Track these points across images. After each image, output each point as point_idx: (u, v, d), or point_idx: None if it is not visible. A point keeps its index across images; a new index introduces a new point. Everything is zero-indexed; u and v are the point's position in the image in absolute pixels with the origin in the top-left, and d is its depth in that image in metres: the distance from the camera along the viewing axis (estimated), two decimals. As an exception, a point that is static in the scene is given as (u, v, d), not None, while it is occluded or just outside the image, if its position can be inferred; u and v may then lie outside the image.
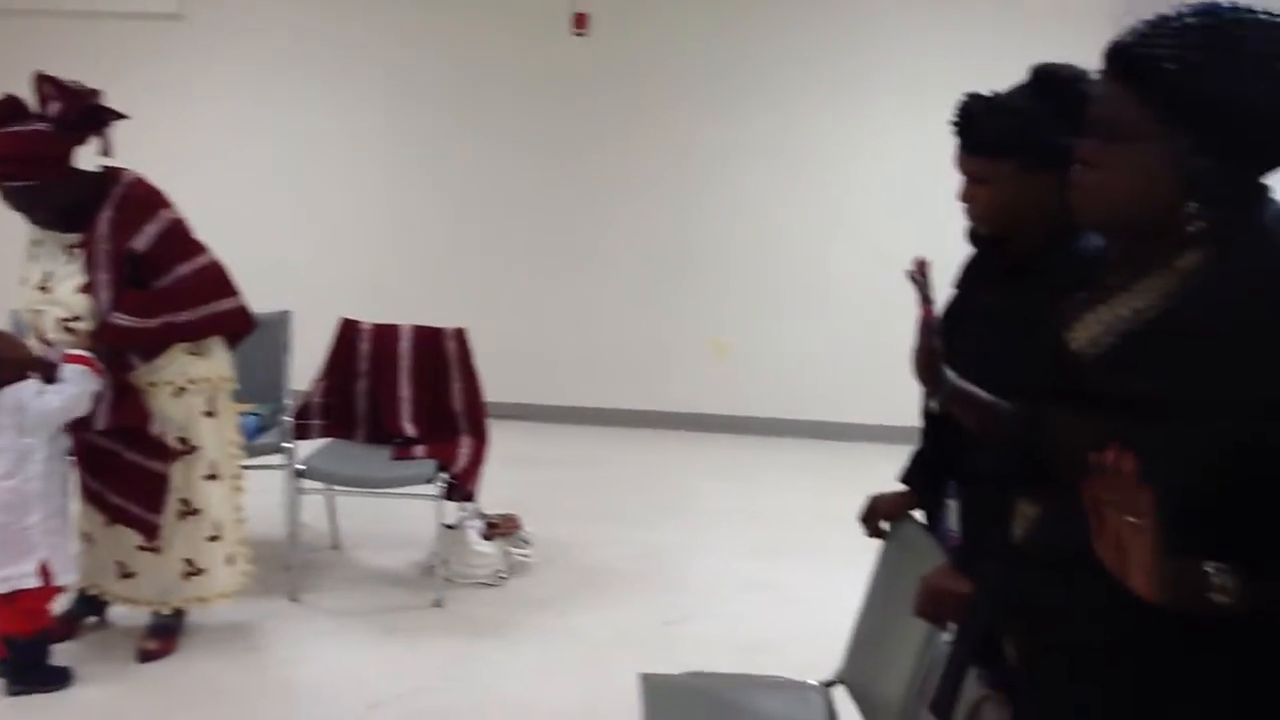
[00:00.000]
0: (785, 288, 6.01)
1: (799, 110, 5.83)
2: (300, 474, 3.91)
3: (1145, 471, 1.09)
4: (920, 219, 5.22)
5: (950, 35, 5.68)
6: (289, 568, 3.97)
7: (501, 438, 4.29)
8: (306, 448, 4.08)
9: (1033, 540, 1.39)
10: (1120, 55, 1.30)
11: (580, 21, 5.78)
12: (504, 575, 4.14)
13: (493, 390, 4.25)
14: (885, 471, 2.48)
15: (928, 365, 1.72)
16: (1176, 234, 1.31)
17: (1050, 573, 1.36)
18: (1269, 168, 1.30)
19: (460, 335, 4.16)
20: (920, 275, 1.75)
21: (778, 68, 5.81)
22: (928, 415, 2.23)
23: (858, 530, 2.40)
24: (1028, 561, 1.40)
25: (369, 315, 4.28)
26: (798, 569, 4.31)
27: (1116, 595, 1.15)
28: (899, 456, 2.39)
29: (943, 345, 1.81)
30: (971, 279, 2.18)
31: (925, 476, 2.31)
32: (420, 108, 6.00)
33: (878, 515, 2.39)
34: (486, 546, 4.17)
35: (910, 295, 1.83)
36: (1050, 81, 1.94)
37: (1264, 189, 1.31)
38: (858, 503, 2.41)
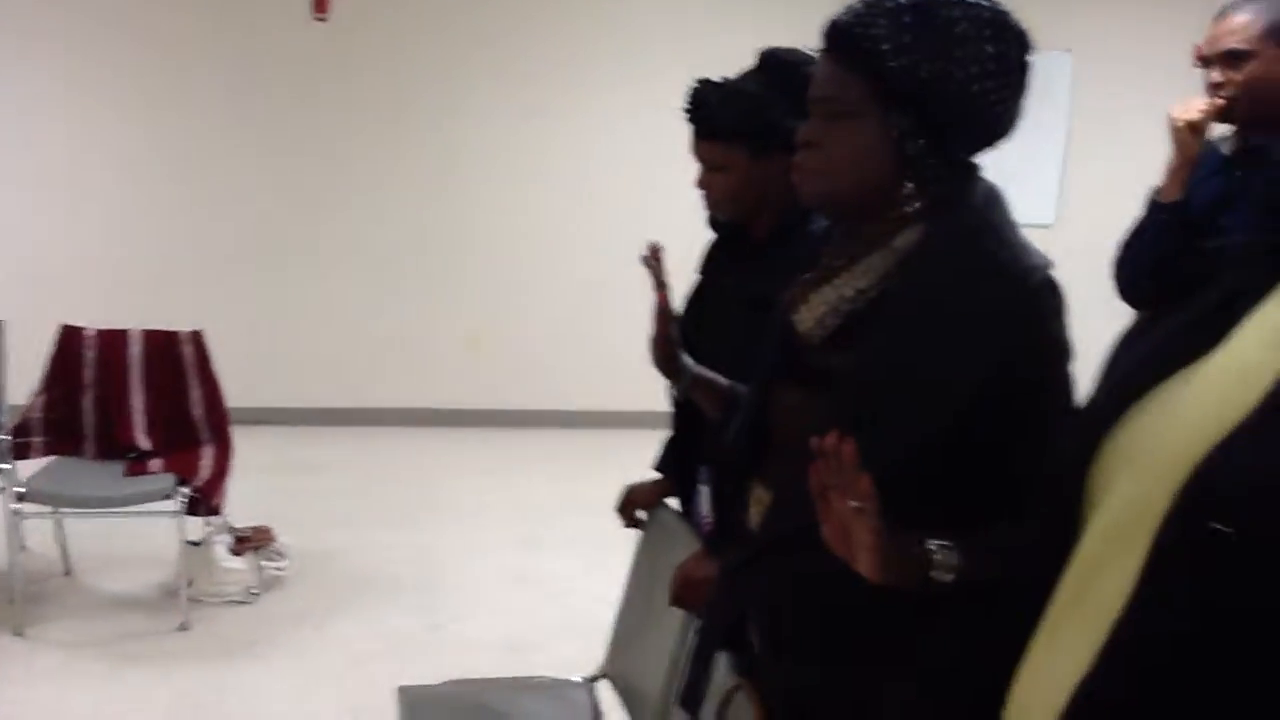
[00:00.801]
0: (534, 278, 5.96)
1: (545, 98, 5.78)
2: (21, 497, 3.56)
3: (865, 454, 1.08)
4: (665, 204, 5.25)
5: (685, 20, 5.76)
6: (12, 600, 3.61)
7: (248, 445, 4.05)
8: (28, 468, 3.72)
9: (767, 525, 1.38)
10: (836, 35, 1.30)
11: (321, 5, 5.52)
12: (256, 591, 3.91)
13: (236, 395, 3.99)
14: (646, 458, 2.46)
15: (665, 353, 1.70)
16: (896, 213, 1.32)
17: (783, 557, 1.35)
18: (979, 147, 1.33)
19: (197, 338, 3.89)
20: (654, 261, 1.72)
21: (523, 56, 5.75)
22: (677, 402, 2.22)
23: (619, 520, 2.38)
24: (762, 546, 1.39)
25: (95, 321, 3.94)
26: (564, 562, 4.28)
27: (845, 577, 1.14)
28: (657, 442, 2.38)
29: (680, 331, 1.80)
30: (713, 264, 2.19)
31: (678, 463, 2.30)
32: (148, 96, 5.58)
33: (634, 505, 2.37)
34: (236, 562, 3.93)
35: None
36: (778, 66, 1.95)
37: (974, 168, 1.34)
38: (618, 491, 2.38)
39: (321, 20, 5.53)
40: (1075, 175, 6.12)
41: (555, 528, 4.62)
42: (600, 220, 5.89)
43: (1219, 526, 0.68)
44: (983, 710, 0.88)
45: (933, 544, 1.18)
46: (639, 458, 2.60)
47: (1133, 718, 0.72)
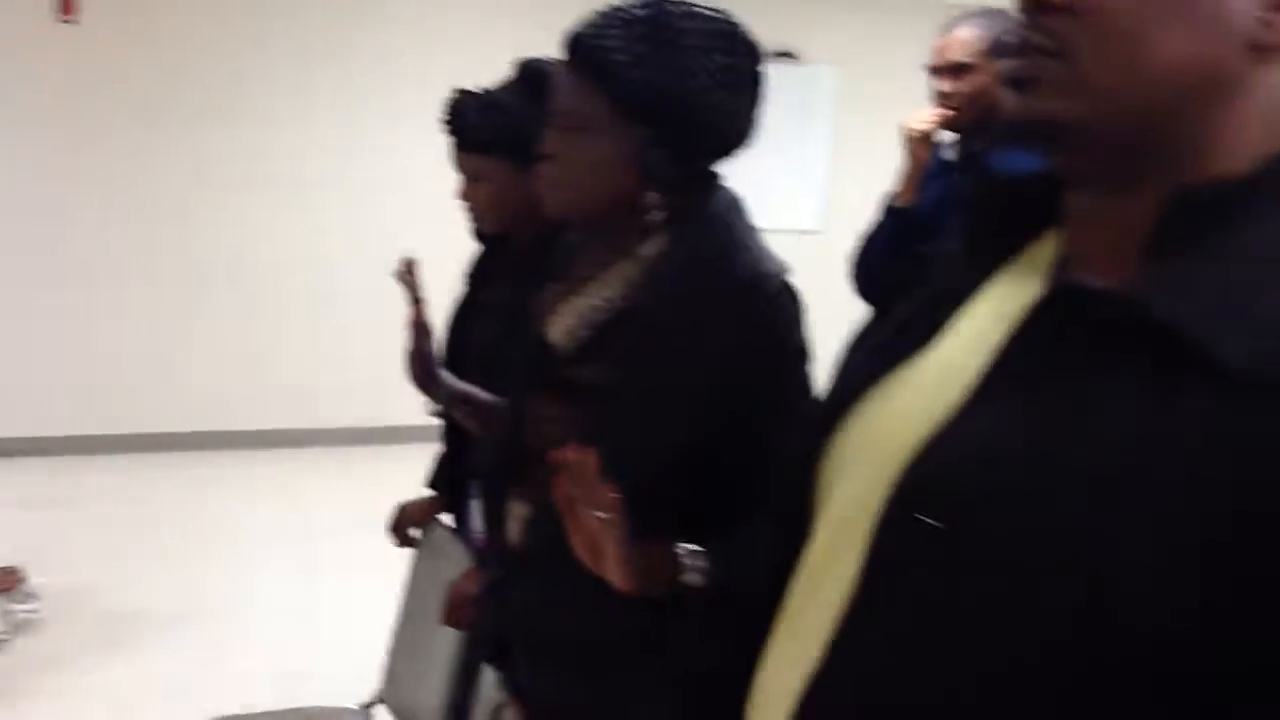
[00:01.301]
0: (296, 292, 5.73)
1: (306, 108, 5.58)
2: None
3: (612, 463, 1.09)
4: (432, 217, 5.18)
5: (445, 29, 5.70)
6: None
7: (-8, 480, 3.74)
8: None
9: (525, 540, 1.37)
10: (574, 48, 1.31)
11: (68, 6, 5.17)
12: (6, 637, 3.61)
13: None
14: (422, 474, 2.41)
15: (422, 369, 1.67)
16: (640, 223, 1.34)
17: (539, 571, 1.35)
18: (717, 156, 1.35)
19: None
20: (408, 276, 1.68)
21: (284, 62, 5.54)
22: (446, 416, 2.18)
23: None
24: (522, 562, 1.38)
25: None
26: (341, 585, 4.13)
27: (597, 588, 1.14)
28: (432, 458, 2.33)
29: (448, 344, 1.77)
30: (478, 276, 2.17)
31: (450, 479, 2.26)
32: None
33: (407, 523, 2.31)
34: (-20, 607, 3.62)
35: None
36: (536, 76, 1.95)
37: (715, 177, 1.37)
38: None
39: (69, 22, 5.18)
40: (840, 183, 6.39)
41: (331, 550, 4.46)
42: (363, 233, 5.72)
43: (926, 519, 0.70)
44: (735, 707, 0.89)
45: (681, 549, 1.20)
46: (416, 474, 2.55)
47: (858, 710, 0.74)
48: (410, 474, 2.72)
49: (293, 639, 3.72)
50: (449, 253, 2.43)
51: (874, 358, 0.86)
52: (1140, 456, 0.63)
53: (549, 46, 2.02)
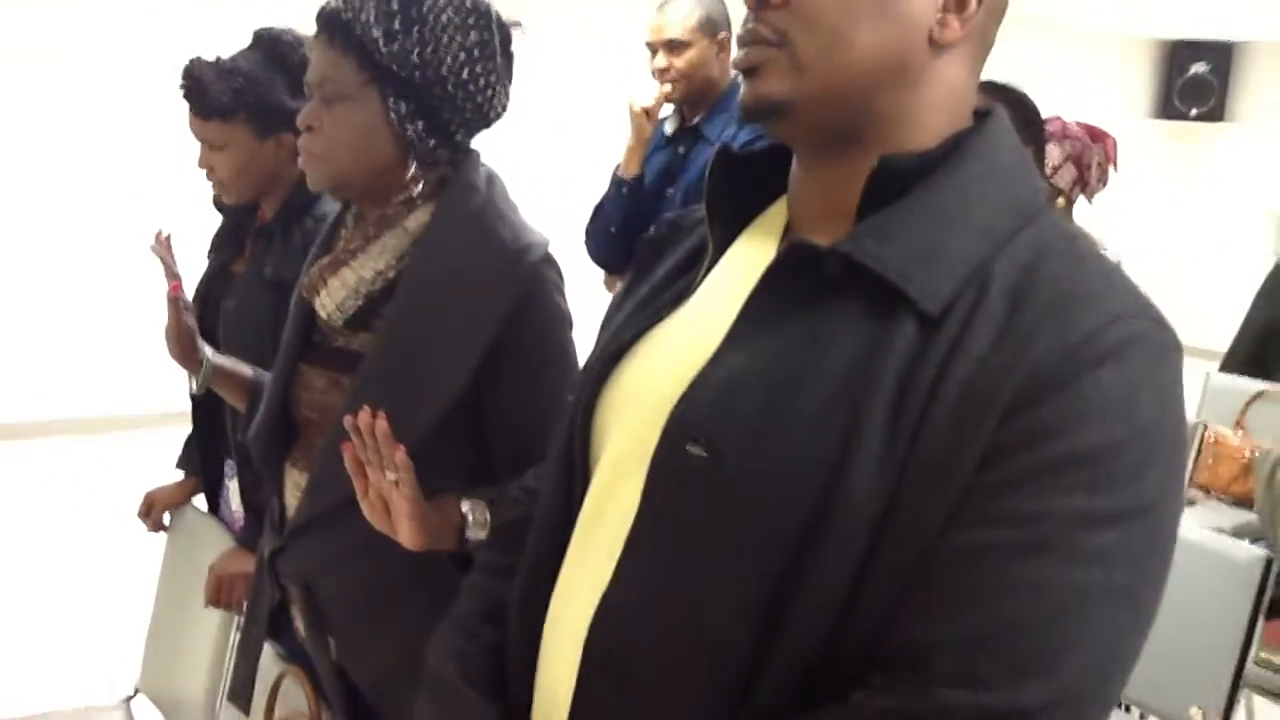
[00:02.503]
0: (34, 277, 5.32)
1: (37, 77, 5.15)
2: None
3: (397, 427, 1.14)
4: (177, 188, 4.94)
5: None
6: None
7: None
8: None
9: (302, 507, 1.39)
10: (328, 20, 1.33)
11: None
12: None
13: None
14: (162, 459, 2.33)
15: (183, 345, 1.63)
16: (404, 195, 1.38)
17: (322, 535, 1.38)
18: (474, 130, 1.41)
19: None
20: (163, 250, 1.64)
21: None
22: (195, 398, 2.13)
23: (141, 529, 2.24)
24: (303, 529, 1.40)
25: None
26: (85, 579, 3.90)
27: (384, 546, 1.19)
28: (172, 442, 2.26)
29: (197, 320, 1.73)
30: (223, 247, 2.12)
31: (201, 461, 2.21)
32: None
33: (156, 508, 2.24)
34: None
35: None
36: (272, 43, 1.93)
37: (473, 152, 1.43)
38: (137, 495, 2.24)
39: None
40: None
41: (73, 543, 4.19)
42: (104, 207, 5.35)
43: (692, 450, 0.81)
44: (527, 637, 0.96)
45: (466, 504, 1.26)
46: (154, 460, 2.46)
47: (646, 627, 0.84)
48: (148, 461, 2.62)
49: (41, 639, 3.48)
50: (193, 224, 2.34)
51: (637, 314, 0.96)
52: (859, 384, 0.76)
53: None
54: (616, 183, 2.68)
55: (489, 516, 1.26)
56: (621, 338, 0.94)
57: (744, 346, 0.83)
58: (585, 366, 0.98)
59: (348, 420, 1.13)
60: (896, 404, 0.75)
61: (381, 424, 1.11)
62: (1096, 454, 0.72)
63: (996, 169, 0.84)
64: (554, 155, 6.14)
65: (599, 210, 2.74)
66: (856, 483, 0.74)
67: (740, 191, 0.94)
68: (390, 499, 1.16)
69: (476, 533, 1.25)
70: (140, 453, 3.58)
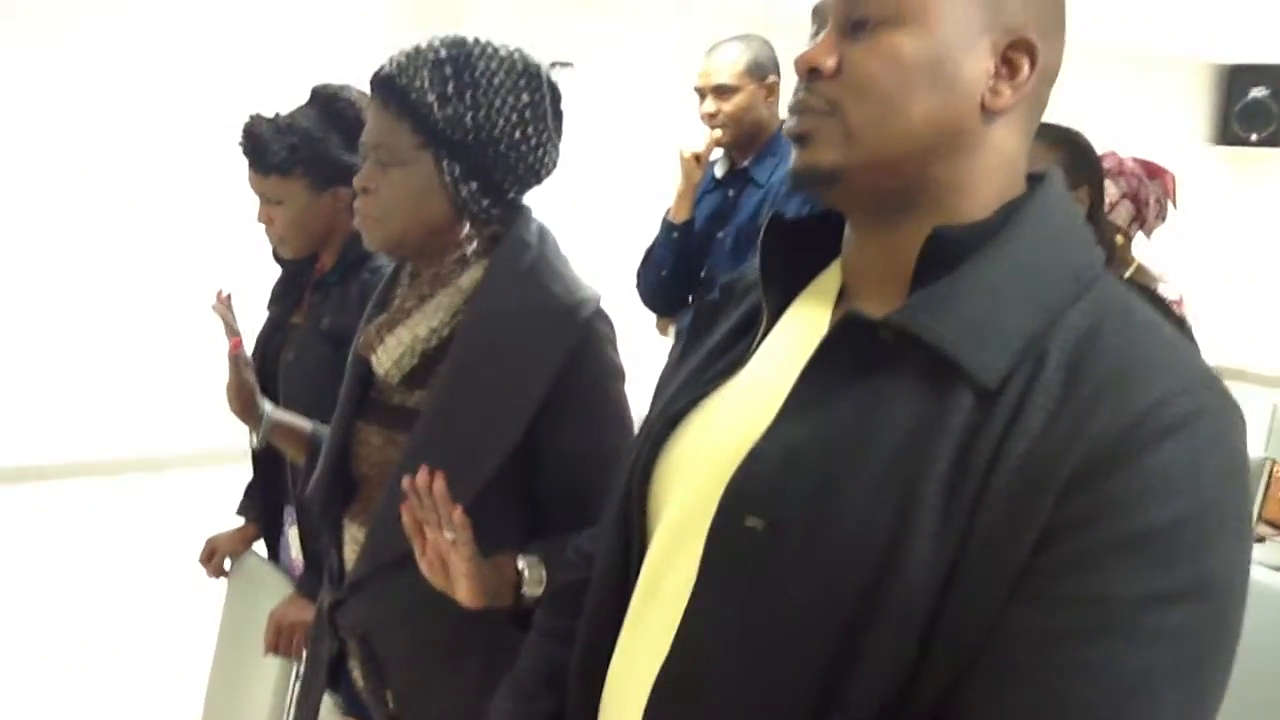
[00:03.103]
0: (89, 317, 5.44)
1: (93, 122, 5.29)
2: None
3: (450, 484, 1.15)
4: (237, 239, 5.04)
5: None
6: None
7: None
8: None
9: (362, 562, 1.41)
10: (383, 85, 1.36)
11: None
12: None
13: None
14: (224, 501, 2.36)
15: (243, 401, 1.67)
16: (458, 253, 1.40)
17: (381, 588, 1.39)
18: (526, 188, 1.43)
19: None
20: (224, 308, 1.68)
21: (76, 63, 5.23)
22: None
23: (202, 573, 2.27)
24: (362, 584, 1.41)
25: None
26: (144, 624, 3.95)
27: (441, 601, 1.20)
28: (229, 483, 2.29)
29: (256, 370, 1.77)
30: (282, 299, 2.16)
31: (262, 507, 2.24)
32: None
33: (218, 554, 2.28)
34: None
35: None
36: (331, 102, 1.97)
37: (525, 208, 1.45)
38: (199, 538, 2.28)
39: None
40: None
41: (123, 588, 4.25)
42: (167, 256, 5.46)
43: (750, 522, 0.81)
44: (588, 703, 0.96)
45: (522, 561, 1.27)
46: (216, 502, 2.50)
47: (706, 698, 0.83)
48: (210, 503, 2.66)
49: (107, 681, 3.54)
50: (254, 275, 2.38)
51: (692, 380, 0.96)
52: (915, 458, 0.76)
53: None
54: (666, 227, 2.71)
55: (545, 574, 1.26)
56: (677, 404, 0.95)
57: (800, 418, 0.83)
58: (641, 431, 0.99)
59: (406, 481, 1.14)
60: (953, 479, 0.75)
61: (439, 484, 1.13)
62: (1159, 532, 0.71)
63: (1051, 237, 0.83)
64: (606, 196, 6.19)
65: (649, 254, 2.77)
66: (913, 559, 0.74)
67: (794, 256, 0.94)
68: (448, 558, 1.17)
69: (533, 590, 1.26)
70: (198, 493, 3.62)
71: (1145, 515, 0.71)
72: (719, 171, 2.80)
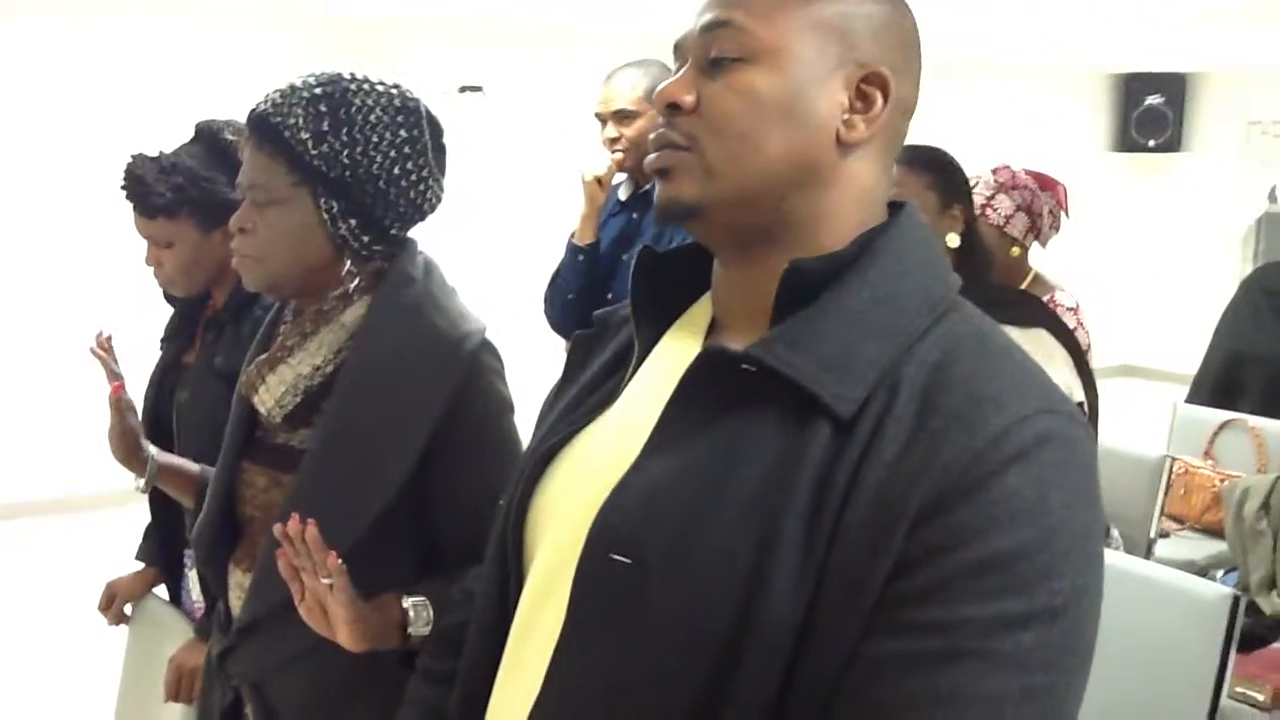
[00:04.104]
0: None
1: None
2: None
3: (331, 528, 1.13)
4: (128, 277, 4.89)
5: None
6: None
7: None
8: None
9: (246, 608, 1.39)
10: (258, 124, 1.34)
11: None
12: None
13: None
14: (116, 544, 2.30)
15: (126, 446, 1.63)
16: (340, 290, 1.39)
17: (266, 635, 1.37)
18: (410, 223, 1.42)
19: None
20: (104, 352, 1.64)
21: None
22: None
23: (101, 620, 2.21)
24: (249, 630, 1.39)
25: None
26: (41, 678, 3.81)
27: (327, 647, 1.18)
28: (127, 526, 2.23)
29: (150, 408, 1.74)
30: (175, 337, 2.12)
31: (161, 550, 2.19)
32: None
33: (118, 600, 2.22)
34: None
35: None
36: (216, 138, 1.95)
37: (410, 242, 1.44)
38: (94, 584, 2.21)
39: None
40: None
41: (31, 635, 4.11)
42: (56, 295, 5.30)
43: (616, 558, 0.81)
44: None
45: (408, 602, 1.26)
46: (114, 546, 2.43)
47: None
48: (106, 546, 2.58)
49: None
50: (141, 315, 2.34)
51: (567, 415, 0.96)
52: (777, 491, 0.77)
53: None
54: (572, 250, 2.71)
55: (431, 614, 1.25)
56: (551, 440, 0.95)
57: (665, 454, 0.83)
58: (521, 464, 0.98)
59: (278, 529, 1.12)
60: (812, 511, 0.75)
61: (312, 531, 1.11)
62: (1007, 558, 0.72)
63: (907, 267, 0.84)
64: (515, 217, 6.16)
65: (556, 278, 2.77)
66: (776, 591, 0.74)
67: (665, 289, 0.95)
68: (326, 604, 1.15)
69: (419, 630, 1.25)
70: (96, 536, 3.52)
71: (993, 542, 0.72)
72: (623, 194, 2.81)
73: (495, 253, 5.96)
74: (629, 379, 0.94)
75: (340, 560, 1.13)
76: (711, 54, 0.85)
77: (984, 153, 3.03)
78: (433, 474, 1.33)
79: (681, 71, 0.87)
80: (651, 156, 0.87)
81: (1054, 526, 0.73)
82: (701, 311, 0.94)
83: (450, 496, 1.34)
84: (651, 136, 0.88)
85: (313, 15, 5.63)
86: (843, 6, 0.85)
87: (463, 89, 6.00)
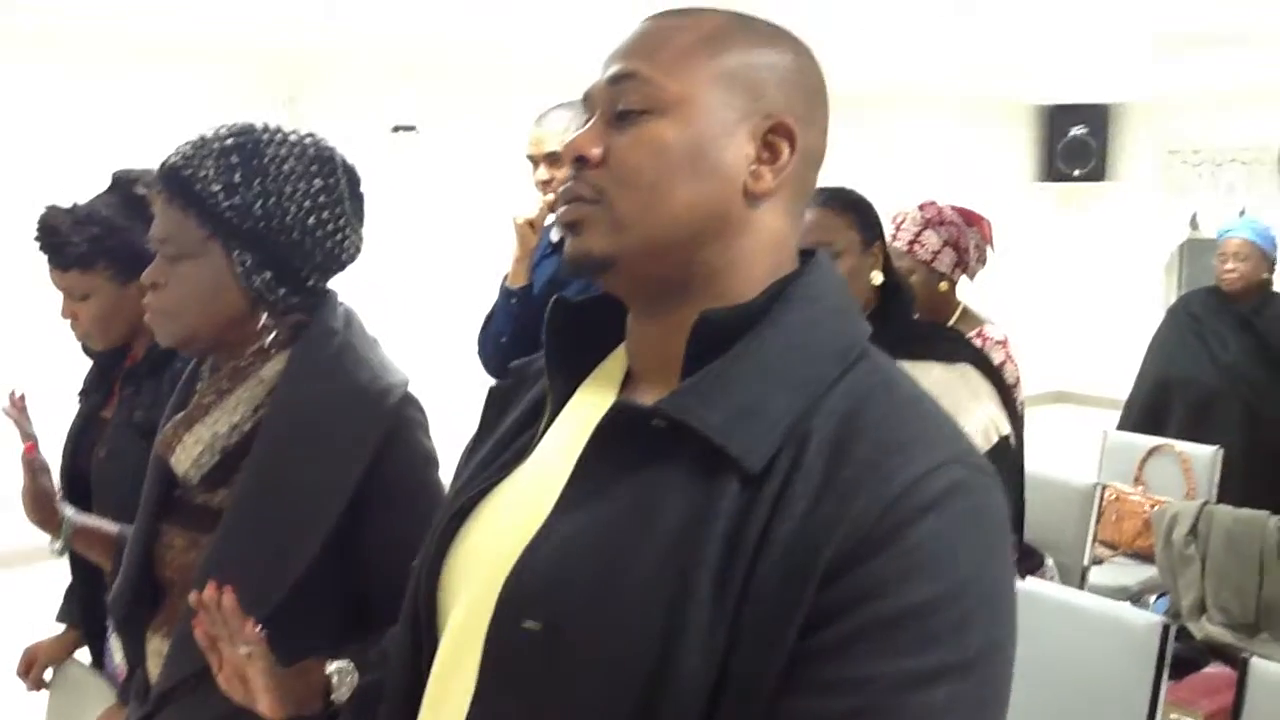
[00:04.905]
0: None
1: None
2: None
3: (250, 594, 1.10)
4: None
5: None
6: None
7: None
8: None
9: (164, 677, 1.34)
10: (168, 177, 1.32)
11: None
12: None
13: None
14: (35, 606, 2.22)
15: (40, 507, 1.58)
16: (257, 345, 1.36)
17: (184, 706, 1.33)
18: (328, 274, 1.40)
19: None
20: (16, 411, 1.59)
21: None
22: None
23: (20, 685, 2.14)
24: (166, 699, 1.34)
25: None
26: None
27: (245, 716, 1.15)
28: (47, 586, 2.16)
29: (67, 463, 1.69)
30: (93, 391, 2.07)
31: (83, 611, 2.12)
32: None
33: (38, 664, 2.14)
34: None
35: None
36: (132, 187, 1.91)
37: (329, 293, 1.41)
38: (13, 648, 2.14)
39: None
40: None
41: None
42: None
43: (526, 624, 0.79)
44: None
45: (331, 666, 1.22)
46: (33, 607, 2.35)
47: None
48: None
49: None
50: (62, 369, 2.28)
51: (481, 472, 0.95)
52: (688, 548, 0.76)
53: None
54: (505, 293, 2.69)
55: (355, 677, 1.22)
56: (464, 498, 0.93)
57: (575, 512, 0.82)
58: (435, 523, 0.96)
59: (193, 597, 1.09)
60: (724, 569, 0.74)
61: (228, 599, 1.08)
62: (918, 612, 0.72)
63: (818, 316, 0.84)
64: (447, 259, 6.11)
65: (489, 320, 2.75)
66: (688, 652, 0.73)
67: (580, 340, 0.94)
68: (245, 672, 1.12)
69: (343, 695, 1.21)
70: (13, 597, 3.39)
71: (904, 597, 0.72)
72: (555, 236, 2.80)
73: (429, 293, 5.91)
74: (543, 434, 0.92)
75: (259, 627, 1.10)
76: (619, 106, 0.85)
77: (914, 186, 3.08)
78: (356, 532, 1.30)
79: (589, 124, 0.87)
80: (560, 210, 0.87)
81: (965, 579, 0.73)
82: (616, 363, 0.93)
83: (375, 554, 1.31)
84: (560, 190, 0.87)
85: (244, 54, 5.58)
86: (748, 58, 0.85)
87: (396, 128, 5.99)
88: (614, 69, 0.86)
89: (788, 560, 0.73)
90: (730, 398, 0.79)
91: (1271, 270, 3.98)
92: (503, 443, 0.96)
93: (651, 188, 0.83)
